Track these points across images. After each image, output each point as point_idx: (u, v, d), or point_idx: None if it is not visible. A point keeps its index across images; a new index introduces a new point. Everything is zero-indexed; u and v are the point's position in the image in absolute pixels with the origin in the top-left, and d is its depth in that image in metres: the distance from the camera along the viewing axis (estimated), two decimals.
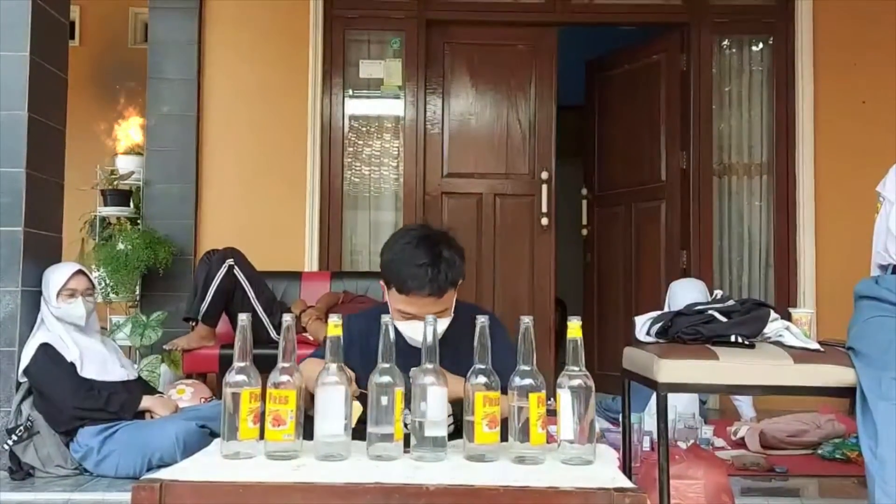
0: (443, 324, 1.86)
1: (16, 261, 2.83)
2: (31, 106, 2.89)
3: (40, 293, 2.89)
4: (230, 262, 3.53)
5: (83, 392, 2.69)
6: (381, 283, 1.95)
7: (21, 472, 2.67)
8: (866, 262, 2.35)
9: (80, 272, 2.87)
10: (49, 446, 2.69)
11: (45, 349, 2.72)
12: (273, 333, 3.52)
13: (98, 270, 3.92)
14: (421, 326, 1.81)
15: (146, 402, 2.79)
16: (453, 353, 1.82)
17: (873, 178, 2.41)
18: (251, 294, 3.53)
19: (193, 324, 3.64)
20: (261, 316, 3.55)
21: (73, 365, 2.73)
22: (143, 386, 2.96)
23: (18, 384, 2.79)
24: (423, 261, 1.81)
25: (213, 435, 2.56)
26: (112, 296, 3.90)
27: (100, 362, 2.80)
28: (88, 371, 2.76)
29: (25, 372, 2.74)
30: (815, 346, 2.13)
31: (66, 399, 2.68)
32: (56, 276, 2.84)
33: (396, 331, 1.89)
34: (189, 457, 2.44)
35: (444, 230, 1.94)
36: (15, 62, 2.87)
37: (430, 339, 1.55)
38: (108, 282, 3.90)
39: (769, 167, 4.58)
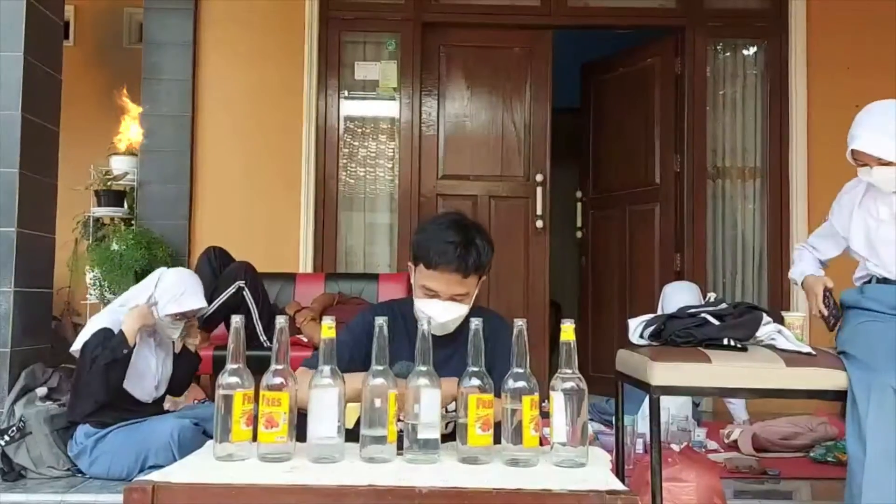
0: (461, 309, 1.90)
1: (8, 261, 2.82)
2: (25, 106, 2.89)
3: (32, 293, 2.88)
4: (240, 283, 3.49)
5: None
6: (409, 264, 2.00)
7: (13, 473, 2.66)
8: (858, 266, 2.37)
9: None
10: (41, 447, 2.68)
11: (106, 333, 2.62)
12: (267, 345, 3.50)
13: (93, 271, 3.91)
14: (441, 306, 1.86)
15: (126, 330, 2.60)
16: (462, 353, 1.82)
17: None
18: (255, 314, 3.49)
19: None
20: (259, 333, 3.50)
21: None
22: (158, 404, 2.88)
23: (11, 385, 2.78)
24: (453, 239, 1.87)
25: (207, 435, 2.56)
26: (109, 296, 3.88)
27: (138, 376, 2.70)
28: (126, 383, 2.67)
29: (84, 344, 2.64)
30: (808, 349, 2.14)
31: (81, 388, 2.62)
32: (188, 302, 2.72)
33: (414, 320, 1.91)
34: (184, 453, 2.43)
35: (478, 222, 2.01)
36: (9, 62, 2.87)
37: (423, 338, 1.55)
38: (102, 282, 3.89)
39: (763, 170, 4.60)
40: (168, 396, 3.20)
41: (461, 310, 1.90)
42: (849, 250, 2.33)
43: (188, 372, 2.91)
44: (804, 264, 2.41)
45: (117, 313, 2.71)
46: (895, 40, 4.38)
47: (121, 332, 2.61)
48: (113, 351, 2.58)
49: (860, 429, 1.94)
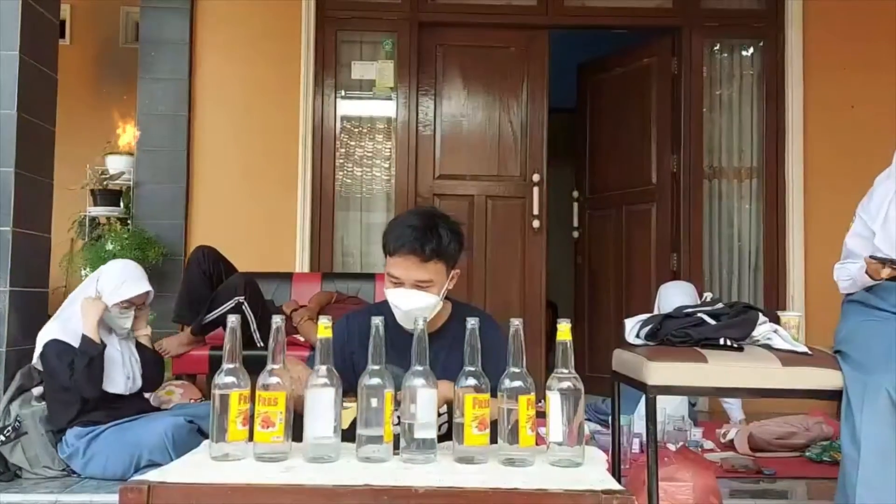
0: (425, 299, 1.87)
1: (4, 261, 2.81)
2: (21, 105, 2.88)
3: (28, 293, 2.87)
4: (239, 299, 3.42)
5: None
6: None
7: (8, 473, 2.65)
8: None
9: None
10: (37, 447, 2.67)
11: (56, 346, 2.62)
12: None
13: (85, 269, 3.90)
14: (403, 294, 1.86)
15: (87, 329, 2.61)
16: (448, 353, 1.82)
17: (862, 182, 2.43)
18: (253, 326, 3.44)
19: (183, 328, 3.62)
20: (256, 343, 3.47)
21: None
22: (141, 395, 2.89)
23: (6, 385, 2.77)
24: (413, 223, 1.88)
25: (202, 433, 2.56)
26: None
27: (109, 371, 2.68)
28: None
29: (43, 358, 2.65)
30: (804, 349, 2.14)
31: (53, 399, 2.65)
32: (130, 288, 2.70)
33: (395, 323, 1.90)
34: (179, 451, 2.43)
35: (449, 215, 1.99)
36: (5, 61, 2.86)
37: (419, 338, 1.55)
38: None
39: (759, 170, 4.61)
40: (160, 396, 3.21)
41: (426, 299, 1.87)
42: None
43: (153, 364, 2.89)
44: (852, 266, 2.27)
45: (64, 319, 2.70)
46: (891, 41, 4.40)
47: (83, 335, 2.61)
48: (85, 353, 2.58)
49: (854, 429, 1.95)
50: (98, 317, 2.64)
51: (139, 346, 2.85)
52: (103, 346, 2.63)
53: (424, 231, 1.87)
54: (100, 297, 2.68)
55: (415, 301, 1.86)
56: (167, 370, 3.63)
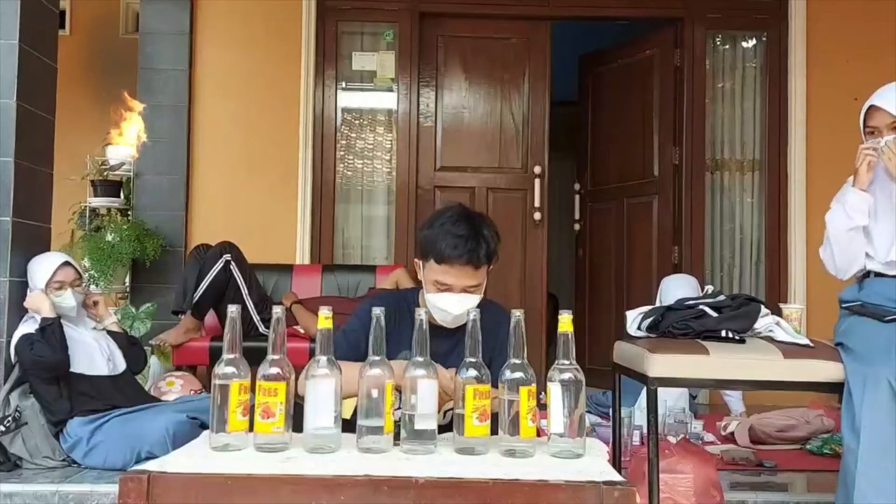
0: (474, 301, 1.90)
1: (3, 251, 2.81)
2: (20, 94, 2.87)
3: (27, 284, 2.86)
4: (227, 257, 3.53)
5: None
6: (415, 259, 2.01)
7: (8, 464, 2.65)
8: None
9: (66, 263, 2.84)
10: (37, 437, 2.67)
11: (24, 338, 2.69)
12: (262, 329, 3.52)
13: (83, 260, 3.89)
14: (455, 299, 1.88)
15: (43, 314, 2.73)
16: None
17: None
18: (244, 291, 3.53)
19: (181, 316, 3.63)
20: (251, 313, 3.54)
21: None
22: (133, 379, 2.95)
23: (6, 375, 2.78)
24: (462, 232, 1.90)
25: (204, 427, 2.56)
26: (93, 287, 3.86)
27: (88, 355, 2.78)
28: (78, 365, 2.73)
29: (19, 364, 2.74)
30: (805, 341, 2.14)
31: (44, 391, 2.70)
32: (42, 269, 2.80)
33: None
34: (179, 447, 2.43)
35: (482, 212, 2.03)
36: (4, 50, 2.84)
37: (419, 329, 1.54)
38: (91, 272, 3.87)
39: (761, 163, 4.60)
40: (161, 387, 3.22)
41: (474, 301, 1.91)
42: None
43: (129, 345, 2.97)
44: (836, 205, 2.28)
45: (27, 319, 2.78)
46: (895, 32, 4.37)
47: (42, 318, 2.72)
48: (41, 327, 2.67)
49: (855, 420, 1.95)
50: (45, 302, 2.73)
51: (112, 333, 2.95)
52: (57, 316, 2.71)
53: (476, 239, 1.89)
54: (35, 290, 2.78)
55: (465, 305, 1.88)
56: (168, 362, 3.64)
